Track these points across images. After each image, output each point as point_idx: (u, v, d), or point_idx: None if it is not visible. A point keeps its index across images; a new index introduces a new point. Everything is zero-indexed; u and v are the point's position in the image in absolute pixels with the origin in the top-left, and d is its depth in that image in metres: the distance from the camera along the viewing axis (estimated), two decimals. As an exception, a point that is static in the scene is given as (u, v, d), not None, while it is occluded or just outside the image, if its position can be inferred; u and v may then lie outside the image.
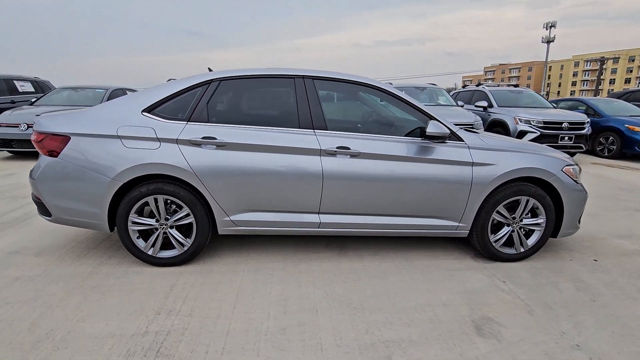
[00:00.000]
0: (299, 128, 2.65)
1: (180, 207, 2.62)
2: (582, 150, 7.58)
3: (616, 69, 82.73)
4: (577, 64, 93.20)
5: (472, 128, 6.20)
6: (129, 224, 2.58)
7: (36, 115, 2.74)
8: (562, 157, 2.90)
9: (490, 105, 8.41)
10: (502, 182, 2.72)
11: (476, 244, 2.88)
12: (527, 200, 2.79)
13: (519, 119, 7.53)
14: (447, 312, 2.22)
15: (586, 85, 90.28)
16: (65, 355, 1.80)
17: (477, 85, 9.79)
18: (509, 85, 9.78)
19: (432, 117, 2.74)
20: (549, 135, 7.30)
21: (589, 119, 7.75)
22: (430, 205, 2.73)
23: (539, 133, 7.28)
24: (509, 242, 2.89)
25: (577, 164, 2.97)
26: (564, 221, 2.86)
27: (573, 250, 3.19)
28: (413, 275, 2.67)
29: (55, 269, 2.66)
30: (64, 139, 2.52)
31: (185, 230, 2.70)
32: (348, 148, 2.62)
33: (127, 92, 8.61)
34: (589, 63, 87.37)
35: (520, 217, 2.83)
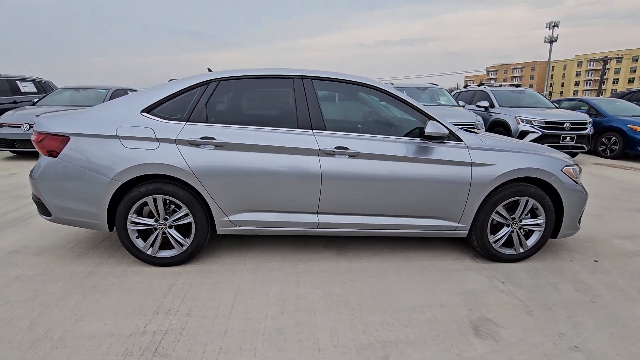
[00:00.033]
0: (298, 128, 2.65)
1: (179, 207, 2.62)
2: (584, 150, 7.55)
3: (619, 68, 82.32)
4: (580, 64, 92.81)
5: (473, 128, 6.18)
6: (128, 223, 2.59)
7: (36, 116, 2.75)
8: (561, 158, 2.89)
9: (492, 105, 8.39)
10: (502, 182, 2.71)
11: (475, 244, 2.87)
12: (527, 201, 2.78)
13: (521, 119, 7.50)
14: (445, 313, 2.22)
15: (589, 85, 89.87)
16: (63, 354, 1.80)
17: (478, 85, 9.76)
18: (511, 85, 9.74)
19: (430, 117, 2.73)
20: (550, 135, 7.27)
21: (591, 119, 7.71)
22: (429, 206, 2.73)
23: (540, 133, 7.25)
24: (509, 243, 2.88)
25: (577, 164, 2.95)
26: (564, 222, 2.85)
27: (573, 251, 3.18)
28: (412, 276, 2.66)
29: (55, 268, 2.67)
30: (64, 139, 2.53)
31: (184, 230, 2.71)
32: (346, 148, 2.62)
33: (129, 92, 8.64)
34: (592, 63, 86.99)
35: (519, 217, 2.82)
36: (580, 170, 2.98)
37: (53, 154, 2.54)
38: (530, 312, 2.25)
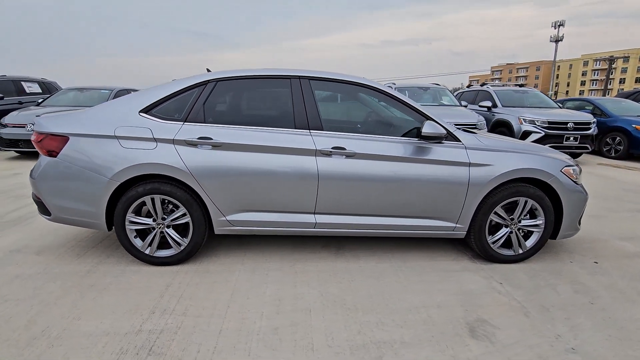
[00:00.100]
0: (295, 128, 2.65)
1: (177, 207, 2.64)
2: (587, 150, 7.48)
3: (626, 68, 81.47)
4: (586, 64, 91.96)
5: (475, 128, 6.16)
6: (127, 223, 2.60)
7: (36, 116, 2.78)
8: (561, 158, 2.87)
9: (495, 105, 8.34)
10: (500, 182, 2.70)
11: (474, 245, 2.86)
12: (526, 202, 2.76)
13: (523, 119, 7.46)
14: (442, 314, 2.21)
15: (595, 85, 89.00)
16: (59, 352, 1.82)
17: (481, 85, 9.72)
18: (515, 85, 9.69)
19: (428, 117, 2.73)
20: (553, 135, 7.22)
21: (595, 119, 7.64)
22: (427, 206, 2.72)
23: (543, 133, 7.20)
24: (507, 244, 2.87)
25: (577, 165, 2.93)
26: (564, 222, 2.83)
27: (573, 252, 3.15)
28: (409, 276, 2.66)
29: (55, 267, 2.69)
30: (63, 139, 2.55)
31: (182, 229, 2.72)
32: (344, 148, 2.62)
33: (132, 92, 8.69)
34: (598, 62, 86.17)
35: (518, 218, 2.80)
36: (581, 170, 2.95)
37: (52, 153, 2.56)
38: (527, 313, 2.24)
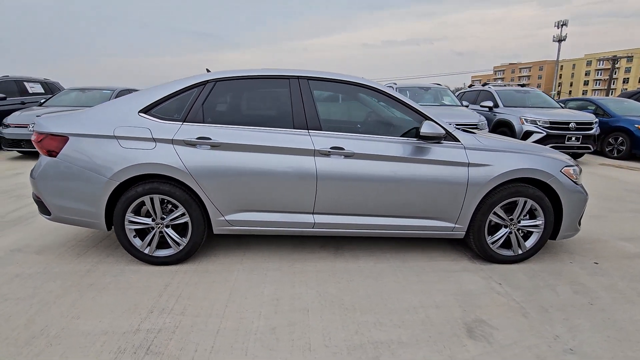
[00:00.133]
0: (293, 128, 2.65)
1: (176, 207, 2.65)
2: (589, 151, 7.44)
3: (630, 68, 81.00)
4: (589, 63, 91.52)
5: (477, 128, 6.14)
6: (126, 223, 2.61)
7: (36, 116, 2.80)
8: (561, 158, 2.86)
9: (496, 105, 8.32)
10: (499, 183, 2.69)
11: (473, 245, 2.85)
12: (525, 202, 2.75)
13: (525, 119, 7.43)
14: (440, 314, 2.20)
15: (599, 85, 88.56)
16: (57, 351, 1.83)
17: (483, 85, 9.69)
18: (516, 85, 9.65)
19: (427, 117, 2.72)
20: (555, 135, 7.19)
21: (597, 119, 7.60)
22: (426, 206, 2.71)
23: (545, 133, 7.17)
24: (507, 244, 2.86)
25: (577, 165, 2.92)
26: (563, 223, 2.82)
27: (574, 252, 3.14)
28: (408, 277, 2.65)
29: (55, 266, 2.71)
30: (63, 139, 2.57)
31: (181, 229, 2.73)
32: (342, 148, 2.62)
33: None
34: (601, 62, 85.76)
35: (517, 218, 2.79)
36: (581, 170, 2.94)
37: (52, 153, 2.57)
38: (526, 314, 2.23)
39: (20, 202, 4.25)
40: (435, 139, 2.66)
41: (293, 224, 2.71)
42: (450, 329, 2.06)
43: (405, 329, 2.06)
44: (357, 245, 3.17)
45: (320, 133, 2.65)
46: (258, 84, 2.80)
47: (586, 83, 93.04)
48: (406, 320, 2.14)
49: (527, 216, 2.82)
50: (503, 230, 2.82)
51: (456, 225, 2.78)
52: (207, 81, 2.70)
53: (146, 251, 2.68)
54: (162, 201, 2.63)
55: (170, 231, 2.68)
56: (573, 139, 7.25)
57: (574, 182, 2.79)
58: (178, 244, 2.69)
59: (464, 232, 2.82)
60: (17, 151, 7.36)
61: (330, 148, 2.61)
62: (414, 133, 2.73)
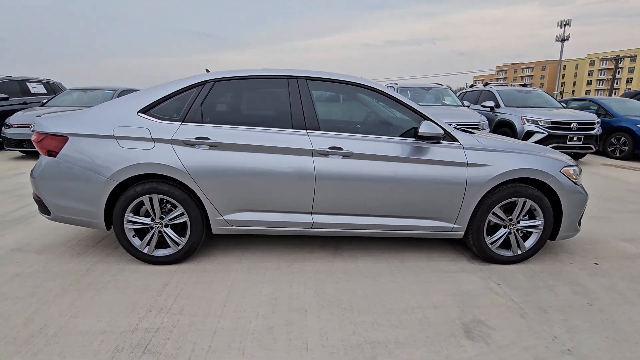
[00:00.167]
0: (292, 128, 2.66)
1: (175, 207, 2.65)
2: (591, 151, 7.41)
3: (634, 67, 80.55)
4: (592, 63, 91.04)
5: (477, 128, 6.12)
6: (125, 222, 2.62)
7: (36, 116, 2.81)
8: (560, 158, 2.85)
9: (498, 105, 8.29)
10: (498, 183, 2.68)
11: (472, 245, 2.84)
12: (524, 202, 2.74)
13: (526, 119, 7.40)
14: (437, 314, 2.20)
15: (602, 85, 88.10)
16: (55, 350, 1.84)
17: (484, 85, 9.66)
18: (518, 85, 9.62)
19: (425, 117, 2.72)
20: (556, 135, 7.16)
21: (599, 119, 7.57)
22: (424, 206, 2.71)
23: (546, 133, 7.14)
24: (506, 244, 2.85)
25: (577, 165, 2.91)
26: (563, 223, 2.81)
27: (574, 253, 3.12)
28: (406, 277, 2.65)
29: (55, 266, 2.72)
30: (63, 139, 2.58)
31: (179, 229, 2.73)
32: (340, 148, 2.62)
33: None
34: (604, 62, 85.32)
35: (517, 218, 2.79)
36: (581, 171, 2.93)
37: (52, 153, 2.59)
38: (524, 314, 2.22)
39: (21, 201, 4.27)
40: (433, 139, 2.65)
41: (291, 223, 2.71)
42: (448, 329, 2.06)
43: (403, 329, 2.05)
44: (356, 245, 3.17)
45: (318, 133, 2.65)
46: (257, 84, 2.81)
47: (589, 83, 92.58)
48: (404, 321, 2.13)
49: (527, 216, 2.82)
50: (502, 231, 2.81)
51: (455, 226, 2.77)
52: (206, 81, 2.71)
53: (145, 251, 2.69)
54: (161, 201, 2.64)
55: (169, 231, 2.69)
56: (575, 139, 7.22)
57: (574, 183, 2.78)
58: (177, 243, 2.70)
59: (463, 232, 2.81)
60: (20, 151, 7.40)
61: (329, 148, 2.61)
62: (413, 133, 2.73)
